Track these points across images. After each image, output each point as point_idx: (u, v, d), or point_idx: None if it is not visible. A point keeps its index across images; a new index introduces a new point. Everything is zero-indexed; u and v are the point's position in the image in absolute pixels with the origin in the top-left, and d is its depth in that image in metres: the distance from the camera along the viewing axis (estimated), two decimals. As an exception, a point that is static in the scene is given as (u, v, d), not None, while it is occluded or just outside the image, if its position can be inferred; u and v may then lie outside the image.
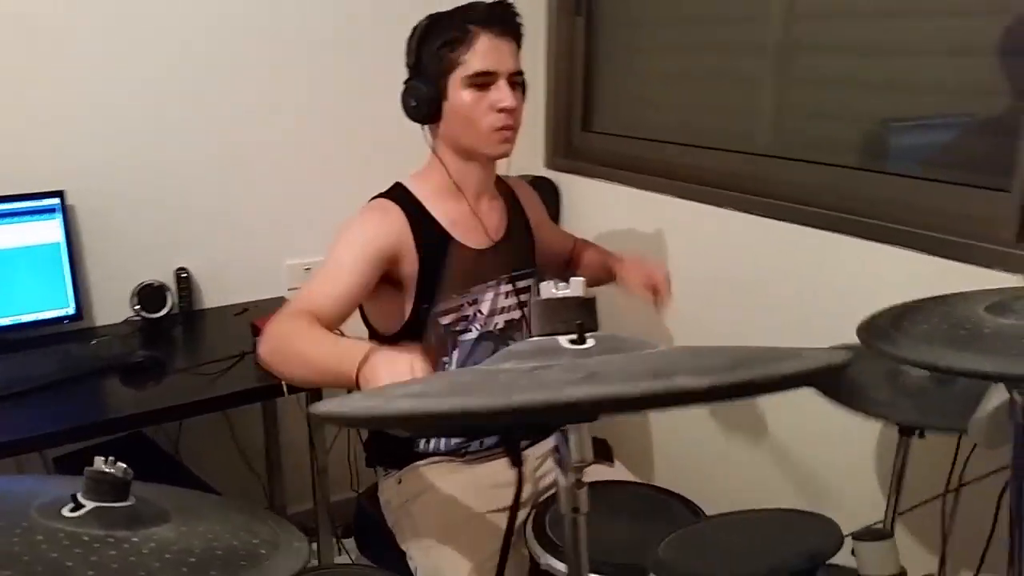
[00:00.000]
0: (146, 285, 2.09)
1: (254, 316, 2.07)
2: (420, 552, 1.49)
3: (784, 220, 1.89)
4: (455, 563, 1.44)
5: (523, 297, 1.66)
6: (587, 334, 0.57)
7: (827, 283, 1.80)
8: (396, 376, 1.19)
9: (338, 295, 1.45)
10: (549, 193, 2.55)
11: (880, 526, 1.00)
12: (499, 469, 1.60)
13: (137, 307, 2.08)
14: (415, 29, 1.53)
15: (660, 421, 2.23)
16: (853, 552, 0.95)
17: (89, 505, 0.82)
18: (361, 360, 1.24)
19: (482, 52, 1.47)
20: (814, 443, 1.80)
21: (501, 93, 1.48)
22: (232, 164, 2.21)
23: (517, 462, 0.59)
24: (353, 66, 2.32)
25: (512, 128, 1.52)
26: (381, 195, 1.59)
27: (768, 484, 1.64)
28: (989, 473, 1.37)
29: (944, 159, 1.67)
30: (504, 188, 1.72)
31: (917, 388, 1.35)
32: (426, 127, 1.60)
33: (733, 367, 0.49)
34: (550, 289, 0.62)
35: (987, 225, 1.56)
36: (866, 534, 0.92)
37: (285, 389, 1.78)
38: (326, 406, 0.58)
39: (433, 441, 1.61)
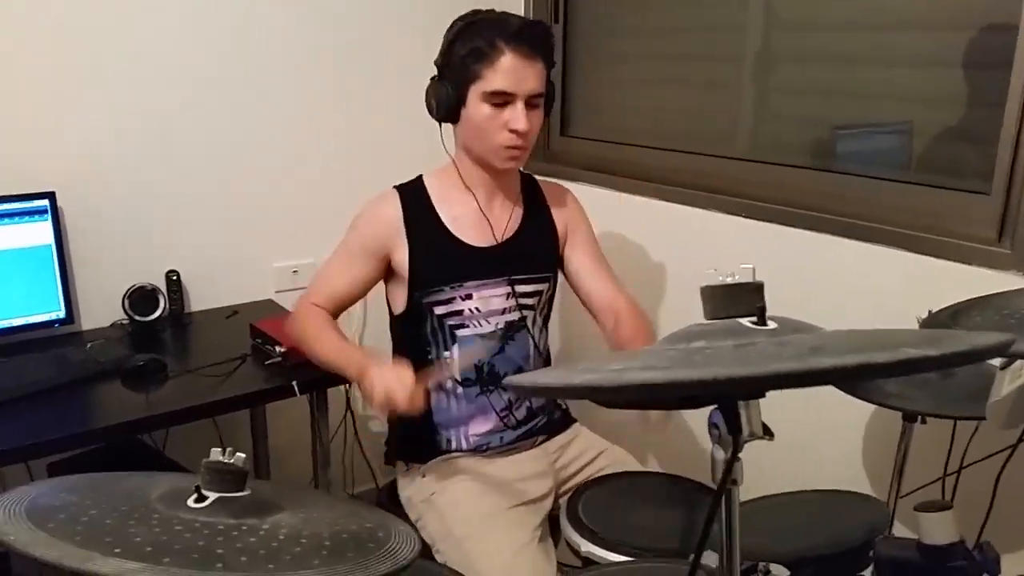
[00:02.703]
0: (138, 287, 2.05)
1: (247, 318, 2.07)
2: (450, 545, 1.52)
3: (771, 222, 1.99)
4: (488, 556, 1.47)
5: (525, 300, 1.68)
6: (764, 316, 0.63)
7: (814, 281, 1.89)
8: (388, 388, 1.41)
9: (341, 286, 1.67)
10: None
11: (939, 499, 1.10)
12: (520, 463, 1.65)
13: (129, 310, 2.04)
14: (452, 26, 1.55)
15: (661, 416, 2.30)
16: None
17: (212, 496, 0.83)
18: (360, 372, 1.49)
19: (503, 71, 1.49)
20: (817, 433, 1.90)
21: (516, 115, 1.51)
22: (220, 166, 2.20)
23: (736, 429, 0.63)
24: (342, 71, 2.33)
25: (522, 148, 1.56)
26: (399, 185, 1.68)
27: (775, 472, 1.72)
28: (987, 456, 1.48)
29: (927, 164, 1.79)
30: (532, 192, 1.76)
31: (923, 379, 1.45)
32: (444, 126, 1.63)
33: (935, 340, 0.55)
34: (717, 277, 0.67)
35: (969, 225, 1.67)
36: (928, 506, 1.00)
37: (296, 389, 1.79)
38: (530, 379, 0.61)
39: (455, 439, 1.64)
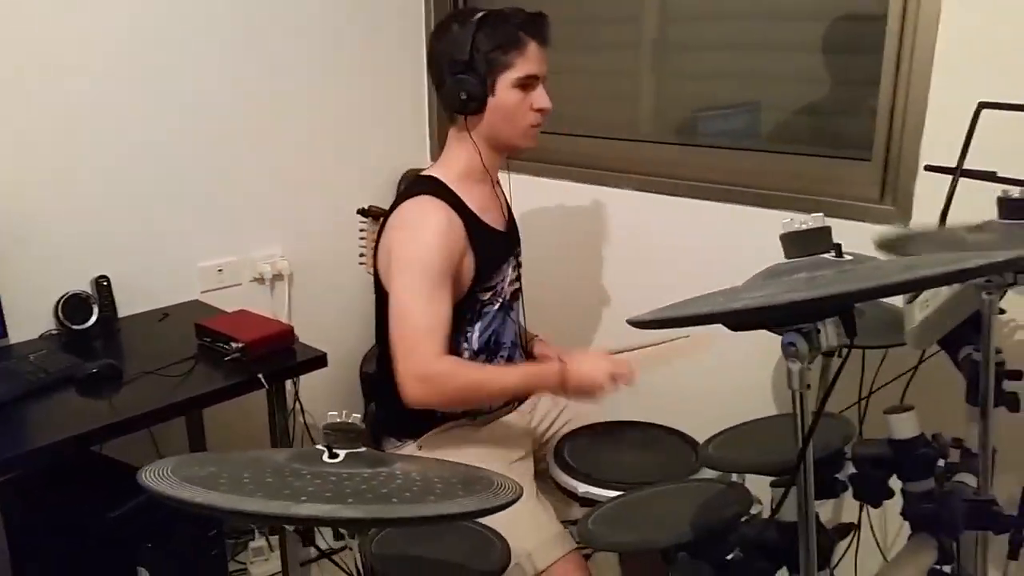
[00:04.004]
0: (72, 295, 2.01)
1: (179, 320, 2.12)
2: None
3: (679, 196, 2.23)
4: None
5: (520, 271, 1.85)
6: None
7: (726, 245, 2.14)
8: (601, 371, 1.57)
9: (446, 313, 1.61)
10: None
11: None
12: (505, 425, 1.79)
13: (63, 319, 1.99)
14: (454, 26, 1.63)
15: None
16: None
17: (343, 453, 0.92)
18: (558, 376, 1.59)
19: (531, 58, 1.63)
20: (738, 371, 2.15)
21: (542, 96, 1.66)
22: (142, 168, 2.17)
23: (852, 332, 0.80)
24: (260, 69, 2.35)
25: (541, 124, 1.71)
26: (429, 193, 1.65)
27: (705, 407, 1.95)
28: (890, 381, 1.77)
29: (814, 137, 2.06)
30: None
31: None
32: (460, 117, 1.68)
33: (991, 253, 0.74)
34: (794, 224, 0.84)
35: (856, 188, 1.96)
36: (895, 409, 1.22)
37: (264, 381, 1.83)
38: (661, 314, 0.75)
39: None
